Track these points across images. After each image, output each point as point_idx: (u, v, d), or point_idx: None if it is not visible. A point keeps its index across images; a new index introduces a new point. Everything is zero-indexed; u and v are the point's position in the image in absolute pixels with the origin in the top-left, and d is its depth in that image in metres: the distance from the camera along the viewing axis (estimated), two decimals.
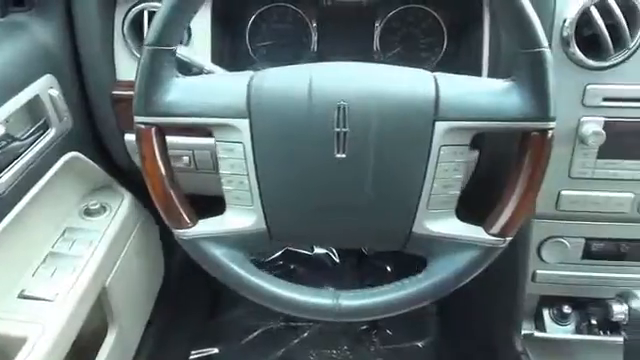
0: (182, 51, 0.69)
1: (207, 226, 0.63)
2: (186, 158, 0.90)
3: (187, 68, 0.71)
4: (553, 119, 0.58)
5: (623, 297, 0.82)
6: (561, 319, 0.94)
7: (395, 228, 0.63)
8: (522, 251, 0.89)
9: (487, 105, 0.58)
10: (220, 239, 0.63)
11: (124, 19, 0.85)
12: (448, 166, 0.60)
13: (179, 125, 0.60)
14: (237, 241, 0.63)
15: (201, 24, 0.84)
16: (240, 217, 0.63)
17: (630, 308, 0.80)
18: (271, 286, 0.63)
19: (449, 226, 0.63)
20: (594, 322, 0.90)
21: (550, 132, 0.58)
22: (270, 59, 0.95)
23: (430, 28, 0.92)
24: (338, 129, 0.58)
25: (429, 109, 0.59)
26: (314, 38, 0.93)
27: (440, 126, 0.59)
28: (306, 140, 0.59)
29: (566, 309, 0.92)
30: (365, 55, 0.94)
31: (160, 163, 0.60)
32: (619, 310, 0.81)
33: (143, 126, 0.59)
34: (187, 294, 1.37)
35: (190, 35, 0.85)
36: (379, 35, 0.93)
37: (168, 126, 0.60)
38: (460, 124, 0.59)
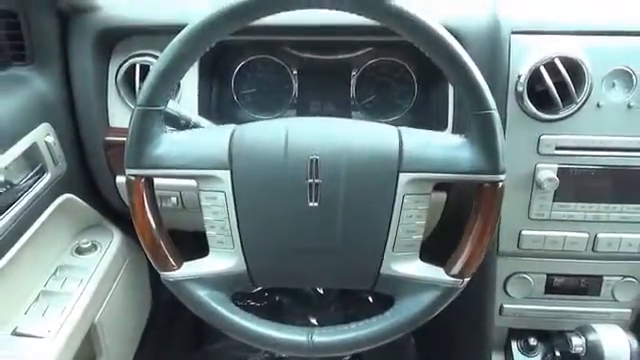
0: (171, 105, 0.76)
1: (191, 268, 0.68)
2: (174, 199, 0.96)
3: (175, 121, 0.77)
4: (503, 172, 0.64)
5: (582, 331, 0.87)
6: (528, 351, 0.99)
7: (364, 269, 0.69)
8: (489, 287, 0.95)
9: (444, 159, 0.65)
10: (203, 280, 0.68)
11: (117, 72, 0.91)
12: (411, 213, 0.66)
13: (166, 176, 0.66)
14: (219, 282, 0.68)
15: (189, 78, 0.91)
16: (222, 260, 0.68)
17: (587, 341, 0.86)
18: (249, 324, 0.68)
19: (413, 267, 0.68)
20: (558, 354, 0.96)
21: (500, 184, 0.65)
22: (254, 106, 1.02)
23: (402, 78, 1.00)
24: (311, 180, 0.64)
25: (393, 162, 0.65)
26: (295, 87, 1.01)
27: (403, 177, 0.65)
28: (282, 190, 0.65)
29: (532, 341, 0.98)
30: (342, 103, 1.01)
31: (148, 212, 0.66)
32: (578, 343, 0.86)
33: (133, 177, 0.65)
34: (174, 326, 1.41)
35: (179, 88, 0.91)
36: (355, 84, 1.00)
37: (157, 177, 0.66)
38: (421, 175, 0.65)
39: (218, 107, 1.01)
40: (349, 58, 0.99)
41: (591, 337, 0.86)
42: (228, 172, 0.65)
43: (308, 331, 0.68)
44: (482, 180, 0.65)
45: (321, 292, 1.64)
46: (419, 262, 0.69)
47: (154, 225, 0.66)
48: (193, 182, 0.67)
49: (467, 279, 0.67)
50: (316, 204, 0.65)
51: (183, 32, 0.62)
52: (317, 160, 0.64)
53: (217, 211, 0.67)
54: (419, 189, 0.66)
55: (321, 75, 1.01)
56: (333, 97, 1.02)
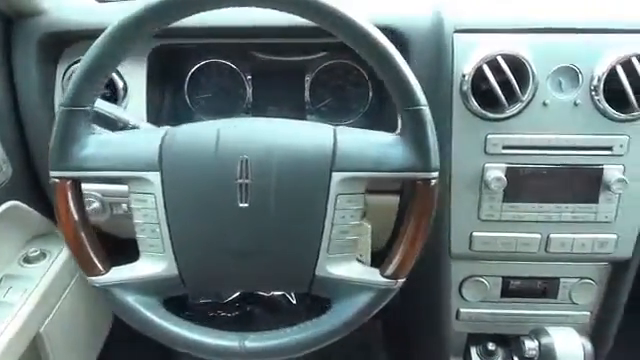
0: (105, 107, 0.75)
1: (120, 273, 0.67)
2: (124, 205, 0.94)
3: (112, 123, 0.76)
4: (435, 169, 0.63)
5: (535, 334, 0.86)
6: (487, 356, 0.97)
7: (299, 272, 0.67)
8: (444, 291, 0.93)
9: (376, 157, 0.64)
10: (132, 285, 0.66)
11: (64, 74, 0.90)
12: (345, 213, 0.65)
13: (93, 178, 0.65)
14: (149, 287, 0.67)
15: (137, 81, 0.90)
16: (153, 264, 0.66)
17: (541, 345, 0.84)
18: (180, 330, 0.66)
19: (349, 269, 0.67)
20: (516, 359, 0.94)
21: (433, 181, 0.63)
22: (208, 111, 1.01)
23: (357, 81, 0.99)
24: (241, 180, 0.63)
25: (326, 161, 0.64)
26: (249, 91, 1.00)
27: (336, 176, 0.64)
28: (212, 191, 0.64)
29: (490, 346, 0.96)
30: (297, 107, 1.00)
31: (74, 214, 0.64)
32: (531, 347, 0.85)
33: (58, 180, 0.64)
34: (138, 340, 1.38)
35: (126, 92, 0.90)
36: (309, 88, 0.99)
37: (83, 179, 0.65)
38: (354, 174, 0.64)
39: (172, 113, 1.00)
40: (303, 61, 0.99)
41: (544, 340, 0.84)
42: (158, 174, 0.64)
43: (241, 336, 0.67)
44: (414, 178, 0.63)
45: (293, 301, 1.62)
46: (355, 263, 0.68)
47: (79, 228, 0.65)
48: None
49: (401, 280, 0.66)
50: (246, 205, 0.63)
51: (107, 31, 0.61)
52: (247, 160, 0.63)
53: (147, 214, 0.65)
54: (352, 188, 0.65)
55: (276, 79, 1.00)
56: (288, 101, 1.01)
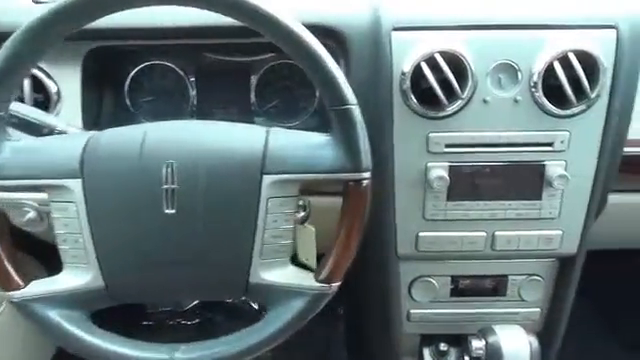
0: (26, 111, 0.71)
1: (40, 286, 0.63)
2: None
3: (35, 128, 0.73)
4: (366, 170, 0.62)
5: (482, 333, 0.85)
6: (439, 356, 0.96)
7: (232, 279, 0.65)
8: (394, 292, 0.92)
9: (307, 159, 0.62)
10: (54, 299, 0.63)
11: None
12: (277, 217, 0.63)
13: (8, 187, 0.61)
14: (73, 300, 0.64)
15: (71, 85, 0.87)
16: (76, 276, 0.63)
17: (487, 344, 0.83)
18: (108, 344, 0.63)
19: (283, 274, 0.65)
20: (467, 358, 0.93)
21: (365, 182, 0.62)
22: (151, 114, 0.98)
23: (304, 80, 0.97)
24: (166, 186, 0.61)
25: (257, 164, 0.62)
26: (193, 93, 0.97)
27: (267, 179, 0.62)
28: (137, 197, 0.61)
29: (443, 347, 0.95)
30: (244, 109, 0.98)
31: None
32: (478, 346, 0.84)
33: None
34: None
35: (60, 96, 0.87)
36: (255, 89, 0.97)
37: None
38: (284, 177, 0.62)
39: (111, 118, 0.96)
40: (249, 62, 0.96)
41: (491, 339, 0.83)
42: (79, 181, 0.61)
43: (172, 348, 0.64)
44: (345, 179, 0.62)
45: (255, 306, 1.59)
46: (290, 268, 0.66)
47: None
48: None
49: (336, 284, 0.64)
50: (173, 211, 0.61)
51: (15, 33, 0.58)
52: (173, 164, 0.61)
53: (68, 223, 0.62)
54: (284, 191, 0.63)
55: (221, 80, 0.98)
56: (234, 103, 0.99)
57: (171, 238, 0.62)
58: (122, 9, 0.58)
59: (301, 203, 0.80)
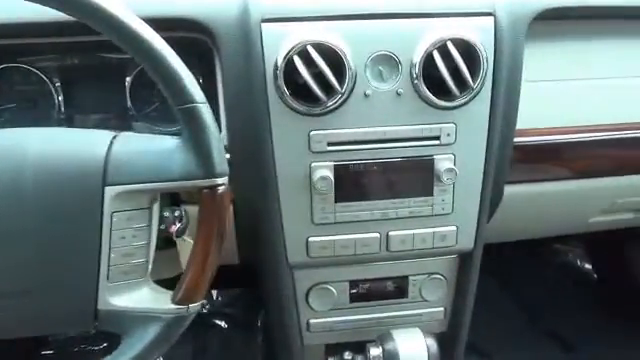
0: None
1: None
2: None
3: None
4: (220, 175, 0.56)
5: (380, 339, 0.81)
6: None
7: (78, 308, 0.57)
8: (289, 302, 0.86)
9: (155, 166, 0.55)
10: None
11: None
12: (125, 233, 0.56)
13: None
14: None
15: None
16: None
17: (384, 350, 0.79)
18: None
19: (136, 298, 0.58)
20: None
21: (220, 189, 0.56)
22: (15, 123, 0.87)
23: None
24: None
25: (97, 173, 0.54)
26: (59, 99, 0.87)
27: (110, 191, 0.55)
28: None
29: (347, 355, 0.90)
30: (119, 113, 0.89)
31: None
32: (375, 354, 0.79)
33: None
34: None
35: None
36: (130, 90, 0.89)
37: None
38: (129, 187, 0.55)
39: None
40: (122, 61, 0.87)
41: (388, 345, 0.79)
42: None
43: None
44: (197, 186, 0.55)
45: None
46: (144, 290, 0.59)
47: None
48: None
49: (196, 305, 0.57)
50: None
51: None
52: None
53: None
54: (131, 204, 0.56)
55: (90, 85, 0.88)
56: (108, 108, 0.90)
57: None
58: None
59: (177, 214, 0.73)
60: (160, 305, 0.57)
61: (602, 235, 1.45)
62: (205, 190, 0.56)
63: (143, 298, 0.58)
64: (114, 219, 0.55)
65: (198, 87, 0.55)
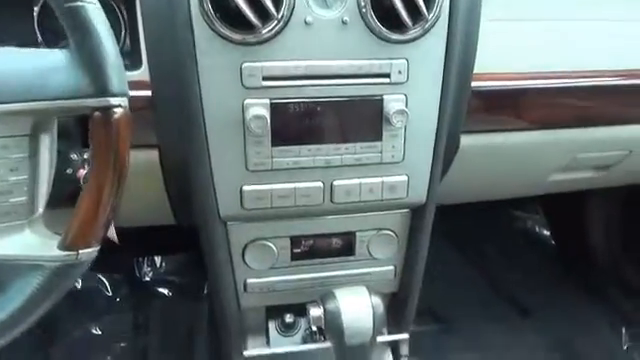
0: None
1: None
2: None
3: None
4: (119, 94, 0.46)
5: (322, 299, 0.73)
6: (287, 329, 0.84)
7: None
8: (223, 260, 0.77)
9: (33, 82, 0.45)
10: None
11: None
12: None
13: None
14: None
15: None
16: None
17: (326, 311, 0.72)
18: None
19: (18, 244, 0.48)
20: (314, 329, 0.82)
21: (117, 110, 0.46)
22: None
23: None
24: None
25: None
26: None
27: None
28: None
29: (288, 318, 0.83)
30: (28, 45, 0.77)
31: None
32: (316, 314, 0.72)
33: None
34: None
35: None
36: (38, 22, 0.77)
37: None
38: (2, 108, 0.45)
39: None
40: None
41: (330, 305, 0.72)
42: None
43: None
44: (85, 107, 0.46)
45: (109, 293, 1.40)
46: (27, 234, 0.49)
47: None
48: None
49: (87, 250, 0.48)
50: None
51: None
52: None
53: None
54: (6, 129, 0.46)
55: None
56: (15, 41, 0.77)
57: None
58: None
59: (86, 156, 0.64)
60: (44, 252, 0.48)
61: (560, 200, 1.42)
62: (96, 113, 0.46)
63: (25, 244, 0.48)
64: None
65: None
